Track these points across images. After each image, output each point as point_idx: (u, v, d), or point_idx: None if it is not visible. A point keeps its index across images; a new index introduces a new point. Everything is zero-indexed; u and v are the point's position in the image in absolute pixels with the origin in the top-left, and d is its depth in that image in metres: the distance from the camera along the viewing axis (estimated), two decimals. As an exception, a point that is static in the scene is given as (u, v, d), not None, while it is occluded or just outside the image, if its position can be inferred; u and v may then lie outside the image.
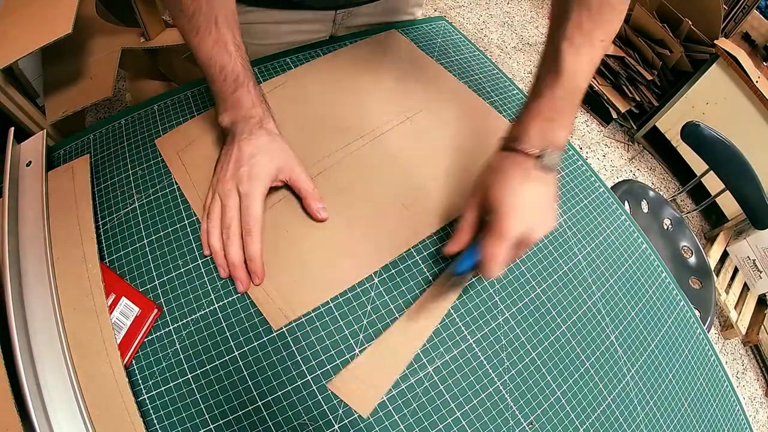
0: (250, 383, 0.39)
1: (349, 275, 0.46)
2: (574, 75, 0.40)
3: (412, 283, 0.47)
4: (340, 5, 0.65)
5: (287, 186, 0.48)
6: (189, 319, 0.42)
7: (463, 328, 0.46)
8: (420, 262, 0.48)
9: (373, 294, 0.46)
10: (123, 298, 0.42)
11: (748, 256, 1.59)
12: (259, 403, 0.38)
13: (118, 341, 0.39)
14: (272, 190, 0.47)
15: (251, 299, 0.43)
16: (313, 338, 0.42)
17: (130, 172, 0.50)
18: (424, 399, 0.41)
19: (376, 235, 0.49)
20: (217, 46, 0.43)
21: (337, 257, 0.47)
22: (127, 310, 0.41)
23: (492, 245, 0.38)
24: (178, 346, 0.40)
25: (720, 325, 1.65)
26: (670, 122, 1.86)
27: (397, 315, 0.45)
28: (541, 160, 0.40)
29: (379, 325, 0.44)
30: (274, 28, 0.64)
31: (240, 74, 0.44)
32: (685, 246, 1.24)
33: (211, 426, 0.37)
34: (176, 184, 0.49)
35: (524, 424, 0.42)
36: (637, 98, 1.86)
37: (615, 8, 0.40)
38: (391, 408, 0.40)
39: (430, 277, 0.48)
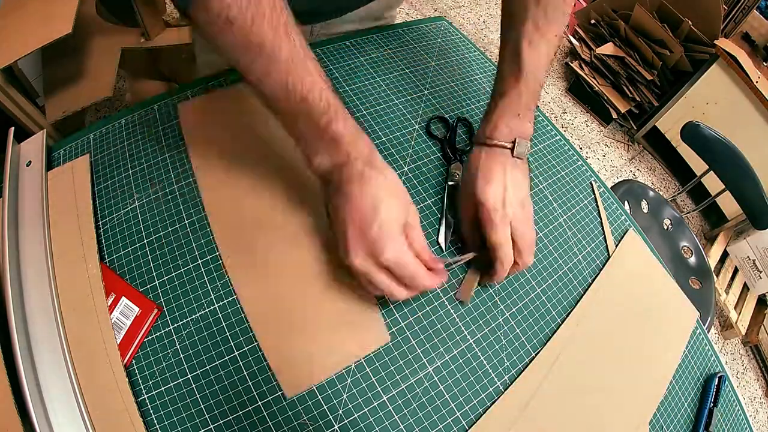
0: (250, 383, 0.39)
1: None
2: (535, 73, 0.44)
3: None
4: (315, 20, 0.65)
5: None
6: (189, 319, 0.42)
7: (463, 328, 0.46)
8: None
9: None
10: (123, 298, 0.42)
11: (748, 256, 1.59)
12: (259, 403, 0.38)
13: (118, 341, 0.39)
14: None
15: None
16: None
17: (130, 172, 0.50)
18: (424, 399, 0.41)
19: None
20: (294, 64, 0.32)
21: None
22: (127, 310, 0.41)
23: (502, 253, 0.42)
24: (178, 346, 0.40)
25: (720, 325, 1.65)
26: (670, 122, 1.87)
27: (396, 315, 0.45)
28: (515, 150, 0.44)
29: (379, 325, 0.44)
30: None
31: (331, 100, 0.35)
32: (685, 246, 1.24)
33: (211, 426, 0.37)
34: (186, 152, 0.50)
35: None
36: (637, 98, 1.86)
37: (567, 3, 0.44)
38: (391, 408, 0.40)
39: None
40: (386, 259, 0.36)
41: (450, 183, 0.53)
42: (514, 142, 0.44)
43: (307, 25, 0.67)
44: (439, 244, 0.50)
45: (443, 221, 0.51)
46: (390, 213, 0.37)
